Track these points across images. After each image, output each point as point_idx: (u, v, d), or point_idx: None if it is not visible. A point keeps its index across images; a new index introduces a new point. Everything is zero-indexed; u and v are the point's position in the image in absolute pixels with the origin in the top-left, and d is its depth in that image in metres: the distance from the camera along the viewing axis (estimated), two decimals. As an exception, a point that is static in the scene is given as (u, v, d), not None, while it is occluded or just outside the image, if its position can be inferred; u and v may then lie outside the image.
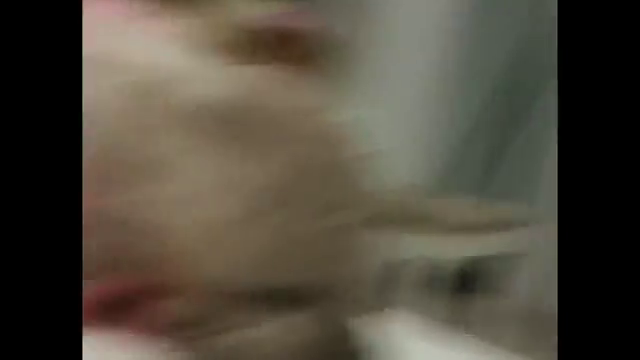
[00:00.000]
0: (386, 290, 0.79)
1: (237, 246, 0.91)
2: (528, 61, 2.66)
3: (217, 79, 0.69)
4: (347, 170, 0.90)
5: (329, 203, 0.88)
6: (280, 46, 0.92)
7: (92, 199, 0.72)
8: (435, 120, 2.89)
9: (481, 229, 2.53)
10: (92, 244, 0.84)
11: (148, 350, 0.84)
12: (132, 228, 0.87)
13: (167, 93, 0.67)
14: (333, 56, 1.17)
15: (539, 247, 2.55)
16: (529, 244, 2.52)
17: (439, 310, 2.34)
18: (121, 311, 0.91)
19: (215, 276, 0.92)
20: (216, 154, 0.75)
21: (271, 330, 0.90)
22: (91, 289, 0.95)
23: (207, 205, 0.88)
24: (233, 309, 0.91)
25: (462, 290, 2.52)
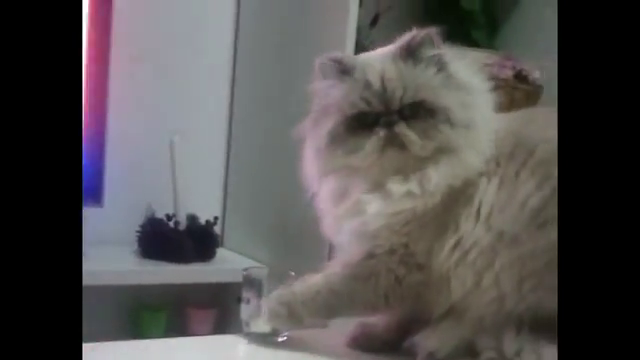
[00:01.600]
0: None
1: (507, 266, 0.96)
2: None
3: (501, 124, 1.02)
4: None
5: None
6: (517, 87, 1.61)
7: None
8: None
9: None
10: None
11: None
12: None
13: None
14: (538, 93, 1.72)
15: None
16: None
17: None
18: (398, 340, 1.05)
19: (487, 298, 0.96)
20: (504, 178, 0.97)
21: None
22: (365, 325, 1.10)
23: (491, 223, 0.97)
24: (500, 339, 0.94)
25: None
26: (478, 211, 0.98)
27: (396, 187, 1.00)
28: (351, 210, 1.02)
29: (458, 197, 0.99)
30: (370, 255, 1.02)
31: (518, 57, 2.12)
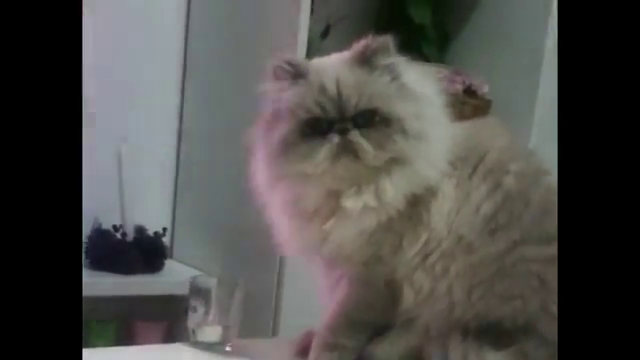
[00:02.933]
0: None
1: (461, 274, 0.96)
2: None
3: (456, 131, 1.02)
4: (540, 203, 0.98)
5: (526, 235, 0.92)
6: (466, 101, 1.70)
7: None
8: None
9: None
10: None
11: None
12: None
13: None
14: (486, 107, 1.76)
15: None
16: None
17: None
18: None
19: (438, 307, 0.97)
20: (459, 180, 0.99)
21: None
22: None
23: (451, 222, 0.98)
24: (446, 346, 0.93)
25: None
26: (441, 208, 0.98)
27: (351, 202, 0.99)
28: (316, 239, 1.01)
29: (425, 193, 0.99)
30: (363, 264, 1.02)
31: (467, 72, 2.15)
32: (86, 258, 2.06)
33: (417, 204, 0.99)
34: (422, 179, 0.99)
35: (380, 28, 2.32)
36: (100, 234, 2.08)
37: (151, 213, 2.21)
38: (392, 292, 1.02)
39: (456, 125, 1.05)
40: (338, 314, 1.04)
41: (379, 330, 1.04)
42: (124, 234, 2.07)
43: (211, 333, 1.10)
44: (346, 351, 1.04)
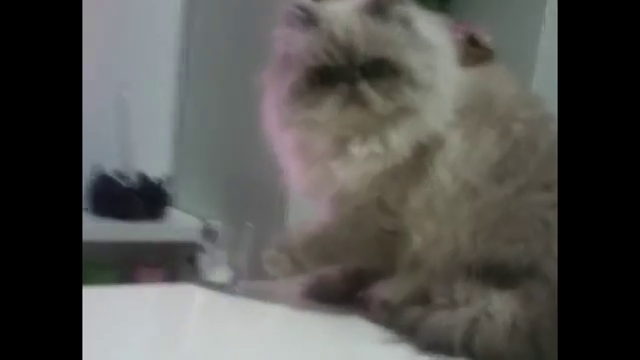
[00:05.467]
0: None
1: (466, 217, 0.99)
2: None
3: (463, 79, 1.03)
4: (547, 150, 0.99)
5: (532, 181, 0.94)
6: (469, 50, 1.62)
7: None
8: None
9: None
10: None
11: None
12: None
13: None
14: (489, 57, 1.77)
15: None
16: None
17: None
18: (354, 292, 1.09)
19: (444, 249, 0.97)
20: (467, 129, 0.99)
21: (483, 308, 0.94)
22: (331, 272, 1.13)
23: (457, 170, 0.99)
24: (452, 286, 0.96)
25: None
26: (447, 158, 1.00)
27: (357, 149, 1.01)
28: (322, 177, 1.03)
29: (430, 144, 1.01)
30: (357, 208, 1.05)
31: (470, 23, 2.15)
32: (88, 204, 2.09)
33: (422, 155, 1.01)
34: (428, 128, 1.00)
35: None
36: (103, 180, 2.09)
37: (153, 161, 2.22)
38: (385, 241, 1.05)
39: (462, 73, 1.06)
40: (317, 237, 1.08)
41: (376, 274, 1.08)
42: (127, 180, 2.09)
43: (221, 274, 1.12)
44: (301, 270, 1.09)
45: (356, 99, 0.99)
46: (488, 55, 2.11)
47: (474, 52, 2.05)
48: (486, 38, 2.10)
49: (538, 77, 1.97)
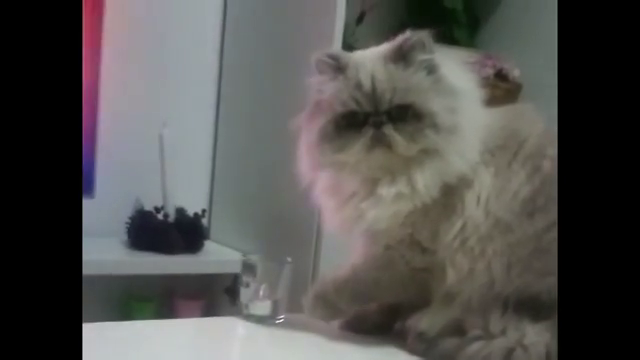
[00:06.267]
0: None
1: (499, 253, 1.01)
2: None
3: (491, 120, 1.07)
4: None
5: (553, 214, 0.98)
6: (497, 85, 1.84)
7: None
8: None
9: None
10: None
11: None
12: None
13: None
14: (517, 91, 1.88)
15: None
16: None
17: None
18: (390, 323, 1.12)
19: (478, 283, 1.02)
20: (498, 168, 1.04)
21: (518, 340, 0.98)
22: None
23: (489, 207, 1.02)
24: (487, 318, 0.99)
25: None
26: (479, 196, 1.04)
27: (385, 190, 1.05)
28: (353, 216, 1.07)
29: (459, 184, 1.05)
30: (386, 247, 1.09)
31: (498, 56, 2.18)
32: (128, 238, 2.14)
33: (451, 194, 1.05)
34: (453, 170, 1.04)
35: (412, 13, 2.36)
36: (142, 215, 2.15)
37: (190, 195, 2.28)
38: (417, 278, 1.09)
39: (491, 113, 1.10)
40: (348, 279, 1.11)
41: (411, 307, 1.11)
42: (165, 215, 2.14)
43: (262, 307, 1.16)
44: (338, 312, 1.13)
45: (381, 142, 1.04)
46: (516, 89, 2.14)
47: (502, 86, 2.09)
48: (515, 72, 2.14)
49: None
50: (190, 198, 2.25)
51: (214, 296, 2.27)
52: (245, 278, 1.17)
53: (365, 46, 1.14)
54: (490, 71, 2.12)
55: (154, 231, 2.11)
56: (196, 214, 2.18)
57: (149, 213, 2.15)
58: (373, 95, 1.04)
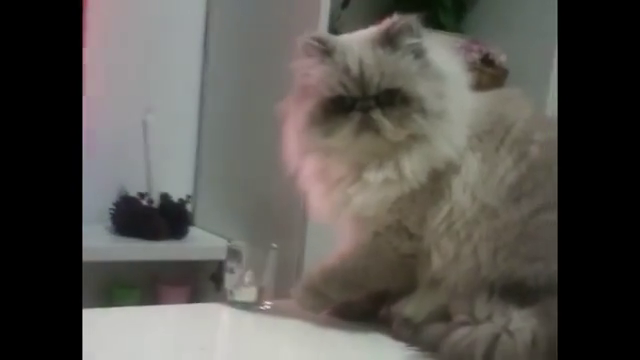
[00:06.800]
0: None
1: (485, 238, 1.01)
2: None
3: (478, 105, 1.06)
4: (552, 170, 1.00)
5: (545, 199, 0.97)
6: (483, 70, 1.82)
7: None
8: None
9: None
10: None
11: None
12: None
13: None
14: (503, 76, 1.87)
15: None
16: None
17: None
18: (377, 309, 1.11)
19: (464, 267, 1.00)
20: (485, 153, 1.02)
21: (504, 325, 0.97)
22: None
23: (476, 193, 1.02)
24: (472, 303, 0.99)
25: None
26: (465, 181, 1.03)
27: (373, 176, 1.04)
28: (340, 201, 1.07)
29: (447, 169, 1.04)
30: (374, 234, 1.09)
31: (484, 41, 2.18)
32: (112, 224, 2.13)
33: (438, 179, 1.05)
34: (440, 155, 1.03)
35: (398, -2, 2.34)
36: (126, 201, 2.14)
37: (175, 181, 2.26)
38: (404, 264, 1.08)
39: (479, 98, 1.09)
40: (336, 269, 1.11)
41: (392, 293, 1.11)
42: (150, 201, 2.13)
43: (247, 293, 1.15)
44: (329, 302, 1.13)
45: (369, 126, 1.03)
46: (502, 74, 2.14)
47: (489, 71, 2.08)
48: (501, 58, 2.13)
49: (553, 94, 1.99)
50: (175, 184, 2.24)
51: (199, 282, 2.27)
52: (230, 264, 1.16)
53: (351, 31, 1.12)
54: (476, 56, 2.11)
55: (139, 217, 2.10)
56: (181, 200, 2.17)
57: (133, 199, 2.14)
58: (361, 80, 1.03)
